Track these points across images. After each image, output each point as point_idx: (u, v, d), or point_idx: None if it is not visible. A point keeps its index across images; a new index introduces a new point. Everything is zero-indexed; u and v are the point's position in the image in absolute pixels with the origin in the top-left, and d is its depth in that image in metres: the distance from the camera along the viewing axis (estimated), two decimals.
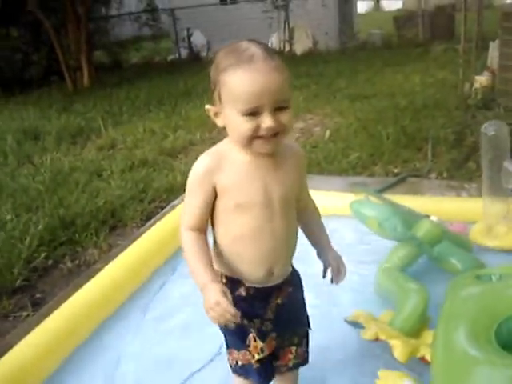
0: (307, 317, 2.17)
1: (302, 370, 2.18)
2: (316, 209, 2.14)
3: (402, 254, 3.07)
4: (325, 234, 2.13)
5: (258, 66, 1.67)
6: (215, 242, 1.95)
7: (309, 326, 2.17)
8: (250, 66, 1.67)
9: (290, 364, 2.11)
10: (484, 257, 3.18)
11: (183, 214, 1.90)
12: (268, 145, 1.75)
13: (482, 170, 3.47)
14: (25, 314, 3.56)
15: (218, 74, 1.74)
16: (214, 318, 1.70)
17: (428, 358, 2.26)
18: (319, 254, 2.13)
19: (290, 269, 2.05)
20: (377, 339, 2.38)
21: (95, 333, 2.99)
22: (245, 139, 1.72)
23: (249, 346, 1.97)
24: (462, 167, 5.16)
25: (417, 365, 2.32)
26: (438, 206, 3.88)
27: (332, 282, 2.09)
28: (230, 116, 1.73)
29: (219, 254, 1.94)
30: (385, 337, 2.36)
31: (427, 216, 3.23)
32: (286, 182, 1.88)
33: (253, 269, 1.91)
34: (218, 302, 1.67)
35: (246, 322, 1.94)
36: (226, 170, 1.82)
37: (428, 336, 2.43)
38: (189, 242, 1.85)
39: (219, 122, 1.82)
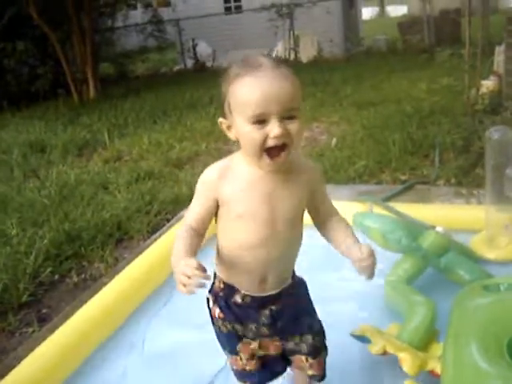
0: (318, 326, 2.14)
1: None
2: (342, 218, 2.03)
3: (407, 266, 3.02)
4: (350, 236, 1.93)
5: (266, 74, 1.68)
6: (217, 248, 1.98)
7: (323, 335, 2.14)
8: (258, 73, 1.68)
9: (308, 373, 2.12)
10: (487, 267, 3.13)
11: (186, 215, 1.95)
12: (275, 162, 1.73)
13: (486, 177, 3.42)
14: (31, 330, 3.53)
15: (228, 85, 1.76)
16: (183, 283, 1.59)
17: (437, 371, 2.21)
18: (345, 254, 1.92)
19: (289, 280, 2.03)
20: (384, 353, 2.34)
21: (100, 347, 2.96)
22: (254, 149, 1.71)
23: (239, 351, 2.02)
24: (469, 173, 5.11)
25: (426, 378, 2.27)
26: (441, 214, 3.84)
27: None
28: (240, 126, 1.73)
29: (220, 260, 1.98)
30: (393, 350, 2.32)
31: (433, 226, 3.19)
32: (293, 200, 1.87)
33: (247, 277, 1.92)
34: (187, 263, 1.60)
35: (238, 326, 1.99)
36: (231, 181, 1.83)
37: (437, 349, 2.39)
38: (181, 231, 1.86)
39: (232, 135, 1.83)
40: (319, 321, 2.15)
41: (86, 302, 3.20)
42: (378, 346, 2.35)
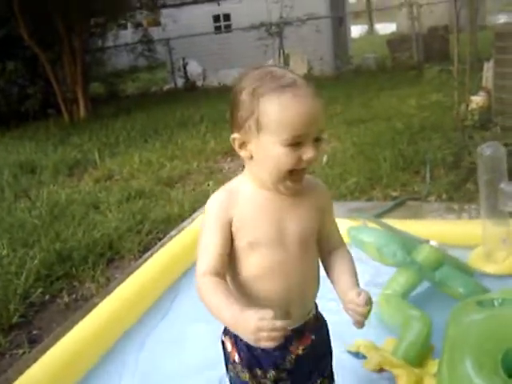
0: (331, 369, 2.00)
1: None
2: (347, 252, 1.91)
3: (402, 280, 3.01)
4: (352, 276, 1.82)
5: (302, 93, 1.58)
6: (228, 281, 1.77)
7: (332, 379, 2.00)
8: (295, 92, 1.56)
9: None
10: (484, 281, 3.13)
11: (199, 260, 1.72)
12: (297, 185, 1.66)
13: (480, 193, 3.43)
14: (21, 351, 3.50)
15: (257, 99, 1.58)
16: (264, 342, 1.43)
17: None
18: (339, 292, 1.80)
19: (313, 311, 1.90)
20: (380, 370, 2.32)
21: (92, 368, 2.92)
22: (280, 172, 1.61)
23: None
24: (460, 189, 5.12)
25: None
26: (435, 229, 3.84)
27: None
28: (268, 146, 1.59)
29: (235, 295, 1.74)
30: (388, 367, 2.30)
31: (427, 240, 3.18)
32: (304, 220, 1.75)
33: None
34: (257, 327, 1.42)
35: (259, 372, 1.82)
36: (240, 206, 1.70)
37: (432, 365, 2.37)
38: (209, 284, 1.64)
39: (246, 153, 1.67)
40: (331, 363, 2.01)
41: (76, 322, 3.17)
42: (374, 362, 2.33)
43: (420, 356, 2.47)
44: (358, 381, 2.47)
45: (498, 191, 3.23)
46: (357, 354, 2.48)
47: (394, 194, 5.31)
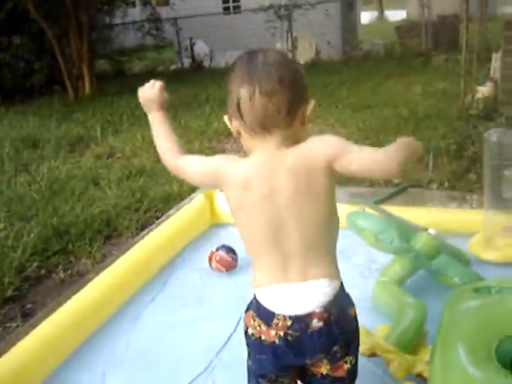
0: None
1: None
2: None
3: (398, 267, 2.98)
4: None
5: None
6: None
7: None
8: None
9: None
10: (482, 269, 3.11)
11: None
12: None
13: (484, 179, 3.40)
14: (14, 324, 3.49)
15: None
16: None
17: (425, 374, 2.17)
18: None
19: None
20: (373, 354, 2.30)
21: (84, 343, 2.91)
22: None
23: None
24: (463, 178, 5.08)
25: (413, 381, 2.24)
26: (435, 217, 3.81)
27: None
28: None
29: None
30: (380, 352, 2.28)
31: (425, 228, 3.15)
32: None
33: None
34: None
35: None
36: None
37: (425, 352, 2.34)
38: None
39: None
40: None
41: (69, 297, 3.15)
42: (366, 347, 2.31)
43: (413, 342, 2.45)
44: None
45: (502, 178, 3.20)
46: None
47: (396, 180, 5.27)
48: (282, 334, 1.71)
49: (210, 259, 3.54)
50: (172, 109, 10.29)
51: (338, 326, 1.73)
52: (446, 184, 5.02)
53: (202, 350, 2.74)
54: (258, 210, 1.70)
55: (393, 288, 2.87)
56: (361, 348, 2.31)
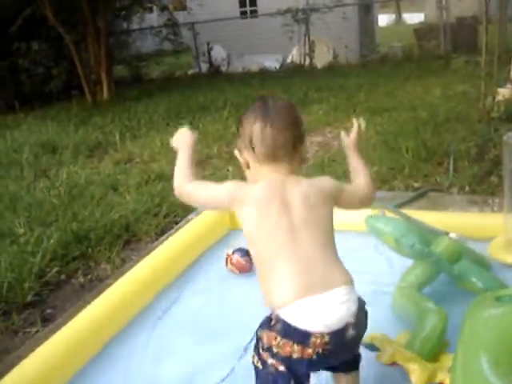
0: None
1: None
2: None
3: (419, 272, 2.94)
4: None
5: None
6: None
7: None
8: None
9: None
10: (503, 274, 3.07)
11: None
12: None
13: (504, 182, 3.36)
14: (34, 329, 3.50)
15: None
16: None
17: (447, 383, 2.13)
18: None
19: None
20: (393, 363, 2.26)
21: (104, 349, 2.91)
22: None
23: None
24: (484, 181, 5.03)
25: None
26: (455, 221, 3.76)
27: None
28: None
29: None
30: (401, 360, 2.24)
31: (446, 233, 3.11)
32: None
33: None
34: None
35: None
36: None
37: (446, 360, 2.29)
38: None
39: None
40: None
41: (89, 302, 3.15)
42: (387, 355, 2.28)
43: (434, 351, 2.40)
44: (370, 373, 2.40)
45: None
46: (370, 347, 2.42)
47: (416, 184, 5.23)
48: (320, 350, 1.80)
49: (226, 262, 3.55)
50: (190, 113, 10.33)
51: (362, 326, 1.94)
52: (467, 188, 4.96)
53: (223, 355, 2.73)
54: (276, 223, 1.92)
55: (413, 294, 2.83)
56: (382, 356, 2.29)
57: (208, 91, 12.85)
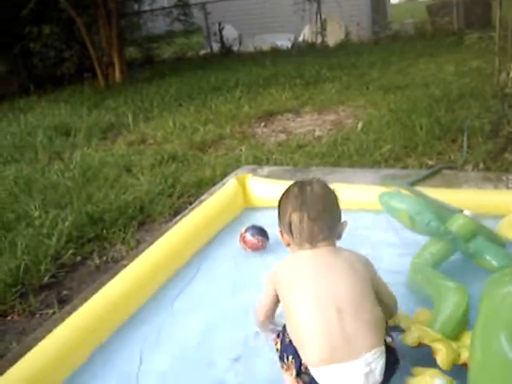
0: None
1: None
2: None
3: (434, 250, 2.92)
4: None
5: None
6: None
7: None
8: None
9: None
10: None
11: None
12: None
13: None
14: (51, 311, 3.53)
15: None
16: None
17: None
18: None
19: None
20: (419, 344, 2.23)
21: (117, 331, 2.92)
22: None
23: None
24: (498, 158, 4.99)
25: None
26: (470, 198, 3.73)
27: None
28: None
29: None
30: (427, 341, 2.20)
31: (460, 210, 3.09)
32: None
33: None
34: None
35: None
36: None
37: (467, 338, 2.26)
38: None
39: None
40: None
41: (104, 284, 3.16)
42: (413, 336, 2.23)
43: (458, 330, 2.36)
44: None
45: None
46: (395, 328, 2.39)
47: (430, 162, 5.21)
48: None
49: (239, 239, 3.57)
50: (202, 93, 10.31)
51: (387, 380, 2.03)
52: (481, 165, 4.93)
53: (237, 335, 2.74)
54: (316, 287, 2.07)
55: (431, 271, 2.81)
56: (407, 337, 2.26)
57: (220, 71, 12.82)
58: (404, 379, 2.11)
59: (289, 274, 2.17)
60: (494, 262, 2.83)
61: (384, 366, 1.96)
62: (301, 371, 2.02)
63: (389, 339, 2.06)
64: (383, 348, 1.98)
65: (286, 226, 2.18)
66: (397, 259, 3.13)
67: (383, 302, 2.20)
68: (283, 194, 2.27)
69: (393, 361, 2.03)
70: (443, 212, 3.11)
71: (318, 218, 2.13)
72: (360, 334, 1.94)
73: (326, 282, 2.06)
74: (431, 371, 2.09)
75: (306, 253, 2.16)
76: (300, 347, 2.03)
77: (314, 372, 1.97)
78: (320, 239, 2.15)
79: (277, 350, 2.20)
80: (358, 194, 3.80)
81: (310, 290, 2.06)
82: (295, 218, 2.14)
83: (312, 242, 2.15)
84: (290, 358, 2.06)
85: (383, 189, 3.63)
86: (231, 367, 2.52)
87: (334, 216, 2.21)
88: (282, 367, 2.14)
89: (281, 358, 2.15)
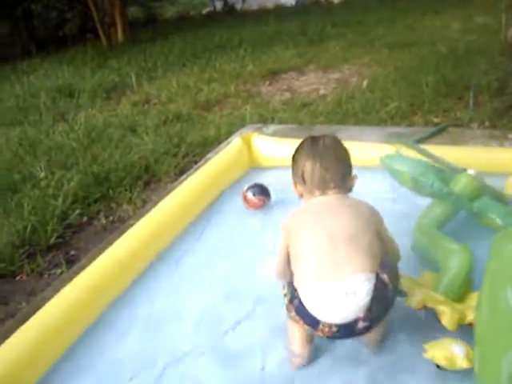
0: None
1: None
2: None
3: (439, 211, 2.91)
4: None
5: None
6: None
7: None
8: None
9: None
10: None
11: None
12: None
13: None
14: (59, 271, 3.56)
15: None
16: None
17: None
18: None
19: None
20: (423, 307, 2.23)
21: (127, 289, 2.94)
22: None
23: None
24: (504, 116, 4.96)
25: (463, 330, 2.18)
26: (475, 156, 3.71)
27: None
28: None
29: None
30: (431, 304, 2.20)
31: (464, 169, 3.07)
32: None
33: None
34: None
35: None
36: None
37: (472, 299, 2.24)
38: None
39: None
40: None
41: (112, 243, 3.18)
42: (416, 299, 2.23)
43: (462, 290, 2.35)
44: (399, 318, 2.35)
45: None
46: (398, 292, 2.38)
47: (436, 120, 5.19)
48: (329, 335, 2.08)
49: (242, 198, 3.58)
50: (206, 53, 10.22)
51: (378, 316, 2.08)
52: (487, 122, 4.91)
53: (243, 293, 2.76)
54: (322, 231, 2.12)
55: (434, 232, 2.79)
56: (411, 300, 2.26)
57: (223, 30, 12.68)
58: (421, 347, 2.11)
59: (297, 220, 2.23)
60: (499, 221, 2.81)
61: (370, 292, 2.00)
62: (293, 296, 2.11)
63: (383, 276, 2.07)
64: (372, 276, 2.02)
65: (299, 175, 2.23)
66: (401, 220, 3.11)
67: (386, 251, 2.23)
68: (297, 148, 2.32)
69: (386, 298, 2.09)
70: (446, 172, 3.09)
71: (330, 167, 2.19)
72: (349, 260, 2.02)
73: (328, 221, 2.14)
74: (446, 340, 2.10)
75: (315, 199, 2.22)
76: (294, 275, 2.14)
77: (300, 290, 2.07)
78: (331, 187, 2.19)
79: (284, 294, 2.23)
80: (366, 152, 3.78)
81: (312, 227, 2.15)
82: (308, 166, 2.20)
83: (323, 189, 2.20)
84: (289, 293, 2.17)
85: (388, 146, 3.62)
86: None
87: (345, 168, 2.26)
88: (287, 309, 2.19)
89: (285, 297, 2.22)
